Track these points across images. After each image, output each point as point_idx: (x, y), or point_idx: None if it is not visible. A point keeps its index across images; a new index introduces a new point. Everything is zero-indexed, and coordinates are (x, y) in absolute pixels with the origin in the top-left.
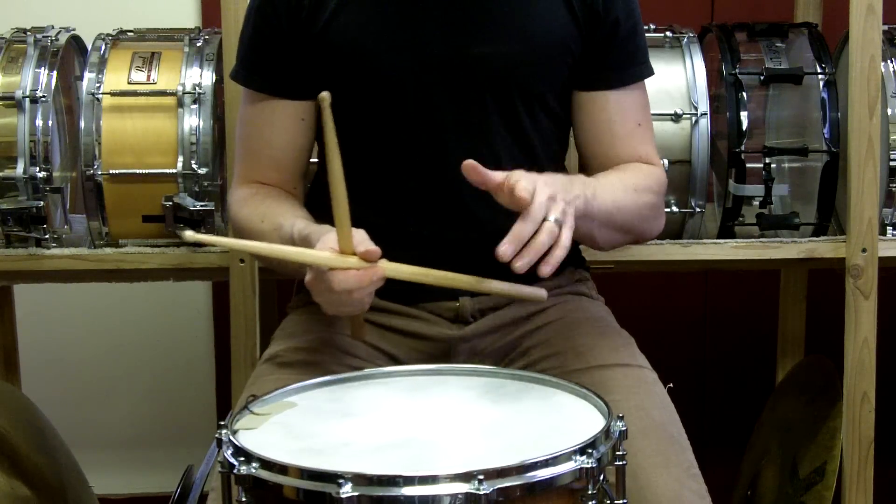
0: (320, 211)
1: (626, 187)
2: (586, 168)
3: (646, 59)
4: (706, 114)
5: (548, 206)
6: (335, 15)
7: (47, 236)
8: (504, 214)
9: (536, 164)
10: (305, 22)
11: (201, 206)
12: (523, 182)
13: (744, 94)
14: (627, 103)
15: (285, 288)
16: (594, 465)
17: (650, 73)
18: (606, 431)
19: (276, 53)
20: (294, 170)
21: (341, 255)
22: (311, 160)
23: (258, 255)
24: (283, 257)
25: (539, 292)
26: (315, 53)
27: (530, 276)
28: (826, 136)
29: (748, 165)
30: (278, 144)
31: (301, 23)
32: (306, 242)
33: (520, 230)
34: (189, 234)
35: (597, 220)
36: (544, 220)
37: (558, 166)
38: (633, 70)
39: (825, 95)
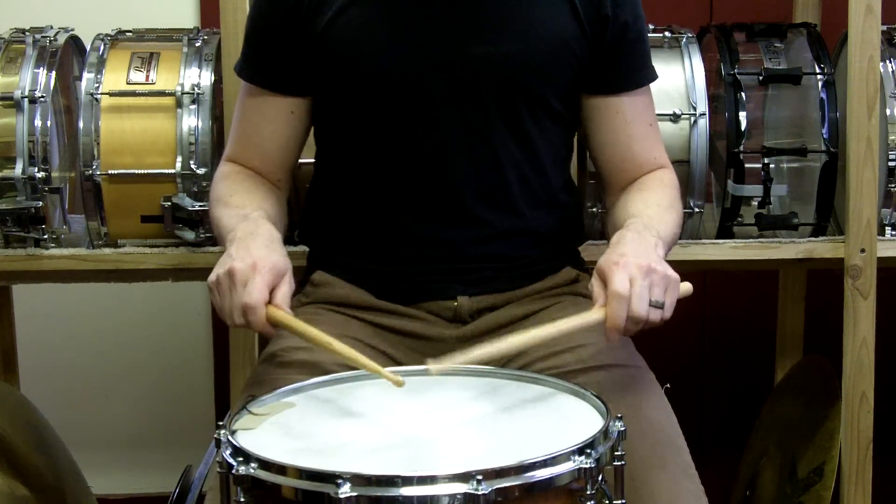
0: (319, 213)
1: (663, 207)
2: (600, 172)
3: (651, 61)
4: (705, 114)
5: (645, 293)
6: (337, 15)
7: (46, 236)
8: (504, 215)
9: (539, 167)
10: (305, 20)
11: (200, 206)
12: (615, 285)
13: (742, 94)
14: (640, 105)
15: None
16: (593, 466)
17: (656, 75)
18: (605, 432)
19: (271, 50)
20: (279, 160)
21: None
22: (310, 160)
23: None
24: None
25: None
26: (316, 52)
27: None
28: (825, 136)
29: (747, 166)
30: (267, 134)
31: (300, 20)
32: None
33: (618, 318)
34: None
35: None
36: (651, 303)
37: (563, 170)
38: (644, 73)
39: (824, 96)
